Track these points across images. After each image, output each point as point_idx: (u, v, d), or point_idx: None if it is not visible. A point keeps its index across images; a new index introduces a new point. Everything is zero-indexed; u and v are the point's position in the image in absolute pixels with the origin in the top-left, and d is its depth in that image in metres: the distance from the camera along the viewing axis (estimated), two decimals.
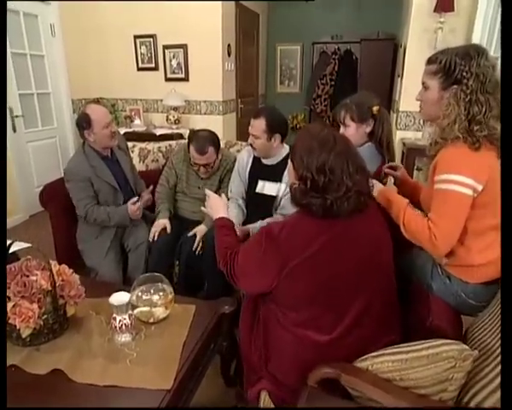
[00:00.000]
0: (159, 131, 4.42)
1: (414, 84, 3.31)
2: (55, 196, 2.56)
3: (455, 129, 1.25)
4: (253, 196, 2.25)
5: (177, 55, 4.54)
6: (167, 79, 4.67)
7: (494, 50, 2.94)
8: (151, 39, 4.60)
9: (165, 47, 4.56)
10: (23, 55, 3.98)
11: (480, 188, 1.24)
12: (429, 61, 1.37)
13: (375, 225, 1.24)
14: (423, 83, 1.39)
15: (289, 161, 1.29)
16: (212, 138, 2.26)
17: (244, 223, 2.24)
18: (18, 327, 1.29)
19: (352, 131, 1.75)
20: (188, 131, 4.52)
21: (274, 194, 2.19)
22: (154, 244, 2.20)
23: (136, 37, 4.65)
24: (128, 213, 2.17)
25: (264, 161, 2.22)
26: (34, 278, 1.38)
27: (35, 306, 1.31)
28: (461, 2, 3.02)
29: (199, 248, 2.17)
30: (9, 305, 1.30)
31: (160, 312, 1.52)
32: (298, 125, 6.32)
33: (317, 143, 1.15)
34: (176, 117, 4.50)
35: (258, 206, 2.24)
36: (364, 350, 1.16)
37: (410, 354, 1.08)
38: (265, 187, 2.21)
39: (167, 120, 4.53)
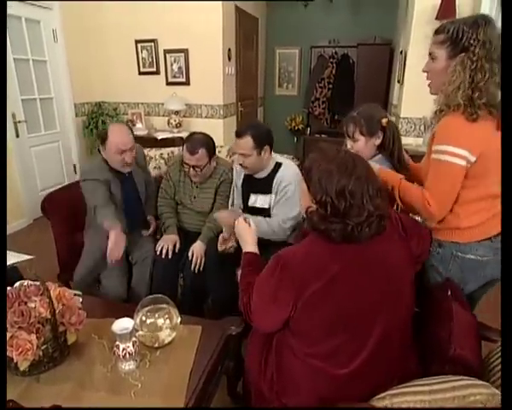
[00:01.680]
0: (160, 135, 4.27)
1: (415, 90, 3.23)
2: (56, 205, 2.44)
3: (458, 96, 1.21)
4: (247, 209, 2.12)
5: (178, 60, 4.38)
6: (168, 83, 4.52)
7: None
8: (152, 44, 4.44)
9: (166, 51, 4.40)
10: (25, 61, 3.81)
11: (473, 160, 1.22)
12: (437, 32, 1.31)
13: (392, 246, 1.12)
14: (430, 53, 1.34)
15: (301, 182, 1.17)
16: (206, 141, 2.11)
17: None
18: (15, 360, 1.17)
19: (362, 144, 1.63)
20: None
21: (267, 206, 2.06)
22: (159, 258, 2.07)
23: (137, 41, 4.48)
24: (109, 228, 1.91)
25: (255, 175, 2.08)
26: (33, 305, 1.26)
27: (33, 337, 1.19)
28: (462, 10, 2.89)
29: (197, 267, 2.02)
30: (7, 336, 1.17)
31: (165, 335, 1.40)
32: (296, 127, 6.18)
33: (336, 166, 1.04)
34: (177, 121, 4.35)
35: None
36: (382, 381, 1.05)
37: (433, 396, 0.96)
38: (258, 200, 2.09)
39: (169, 123, 4.38)
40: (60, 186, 2.89)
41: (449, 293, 1.24)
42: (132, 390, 1.21)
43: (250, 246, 1.40)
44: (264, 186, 2.04)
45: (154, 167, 2.79)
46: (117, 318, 1.51)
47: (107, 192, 2.03)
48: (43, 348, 1.22)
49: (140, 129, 4.50)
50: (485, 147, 1.21)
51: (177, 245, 2.11)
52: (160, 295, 1.46)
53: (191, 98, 4.43)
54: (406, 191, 1.36)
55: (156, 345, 1.39)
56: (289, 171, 2.01)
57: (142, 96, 4.69)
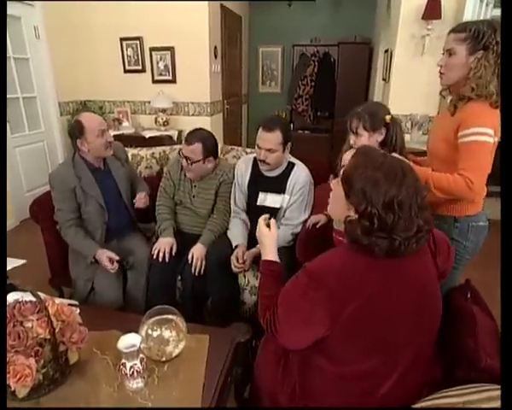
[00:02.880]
0: (148, 134, 4.07)
1: (403, 88, 3.17)
2: (45, 208, 2.23)
3: (491, 86, 1.30)
4: (254, 208, 1.99)
5: (164, 58, 4.17)
6: (154, 81, 4.30)
7: None
8: (137, 42, 4.20)
9: (152, 49, 4.18)
10: (7, 59, 3.52)
11: (496, 140, 1.34)
12: (457, 30, 1.39)
13: (425, 260, 1.01)
14: (449, 49, 1.40)
15: (337, 187, 1.02)
16: (205, 138, 1.97)
17: (248, 236, 1.99)
18: (13, 388, 1.02)
19: (365, 140, 1.55)
20: (176, 133, 4.24)
21: (278, 206, 1.95)
22: (155, 262, 1.91)
23: (122, 39, 4.23)
24: (93, 254, 1.85)
25: (267, 173, 1.96)
26: (29, 324, 1.10)
27: (32, 361, 1.04)
28: (447, 11, 2.84)
29: (198, 270, 1.88)
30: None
31: (172, 348, 1.27)
32: None
33: (383, 174, 0.89)
34: (164, 119, 4.16)
35: (259, 217, 1.99)
36: (414, 395, 0.96)
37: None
38: (267, 199, 1.96)
39: (156, 121, 4.18)
40: (48, 188, 2.68)
41: (468, 296, 1.16)
42: None
43: (270, 253, 1.24)
44: (276, 185, 1.92)
45: (146, 167, 2.61)
46: (118, 328, 1.39)
47: (75, 200, 1.90)
48: (43, 371, 1.08)
49: (127, 127, 4.29)
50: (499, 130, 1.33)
51: (174, 248, 1.95)
52: (166, 306, 1.32)
53: (178, 96, 4.24)
54: (441, 180, 1.36)
55: (163, 359, 1.26)
56: (303, 172, 1.92)
57: (127, 95, 4.46)
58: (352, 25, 5.42)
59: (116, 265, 1.85)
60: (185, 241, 2.03)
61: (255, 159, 2.02)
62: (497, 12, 3.04)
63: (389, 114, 1.53)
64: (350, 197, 0.94)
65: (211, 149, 1.99)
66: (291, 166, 1.95)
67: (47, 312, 1.09)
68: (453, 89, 1.46)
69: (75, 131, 1.84)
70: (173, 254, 1.94)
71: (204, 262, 1.88)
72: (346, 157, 1.63)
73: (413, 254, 0.93)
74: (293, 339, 1.04)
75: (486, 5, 2.92)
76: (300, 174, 1.92)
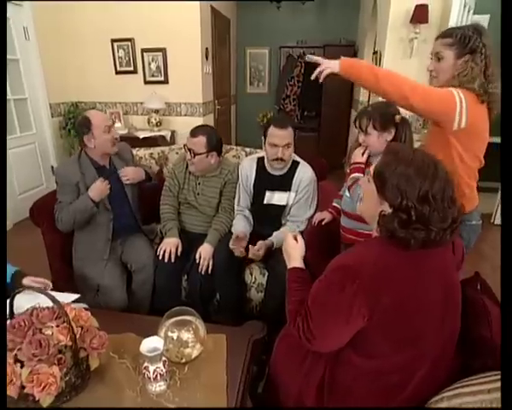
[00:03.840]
0: (141, 134, 3.97)
1: None
2: (46, 211, 2.13)
3: (475, 85, 1.35)
4: (260, 206, 1.96)
5: (156, 59, 4.07)
6: (146, 82, 4.19)
7: None
8: (129, 43, 4.08)
9: (144, 50, 4.07)
10: None
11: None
12: (444, 36, 1.44)
13: (449, 252, 1.00)
14: (437, 53, 1.45)
15: (368, 185, 1.00)
16: (209, 133, 1.93)
17: (252, 233, 1.96)
18: (37, 398, 0.96)
19: (374, 139, 1.54)
20: (169, 133, 4.15)
21: (283, 203, 1.93)
22: (161, 262, 1.86)
23: (113, 40, 4.10)
24: (89, 197, 1.77)
25: (273, 172, 1.94)
26: (49, 331, 1.04)
27: (55, 369, 0.98)
28: (433, 15, 2.86)
29: (204, 269, 1.84)
30: (24, 372, 0.96)
31: (191, 350, 1.23)
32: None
33: (415, 169, 0.88)
34: (157, 119, 4.06)
35: (266, 216, 1.97)
36: (439, 386, 0.96)
37: (493, 395, 0.88)
38: (274, 197, 1.94)
39: (149, 122, 4.08)
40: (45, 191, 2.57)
41: (478, 287, 1.16)
42: None
43: (296, 262, 1.21)
44: (282, 183, 1.90)
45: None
46: (131, 331, 1.34)
47: (77, 195, 1.83)
48: (66, 379, 1.02)
49: (119, 128, 4.15)
50: (479, 121, 1.38)
51: (179, 248, 1.90)
52: (185, 307, 1.28)
53: (170, 97, 4.15)
54: (388, 73, 1.36)
55: (183, 361, 1.22)
56: (308, 170, 1.91)
57: (119, 96, 4.33)
58: (337, 28, 5.44)
59: (106, 184, 1.79)
60: (190, 240, 1.99)
61: (259, 159, 1.99)
62: (476, 17, 3.22)
63: (399, 113, 1.51)
64: (384, 193, 0.93)
65: (214, 145, 1.94)
66: (295, 164, 1.93)
67: (67, 318, 1.03)
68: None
69: (82, 127, 1.79)
70: (178, 254, 1.88)
71: (211, 262, 1.84)
72: (356, 154, 1.62)
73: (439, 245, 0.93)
74: (330, 341, 1.00)
75: (468, 11, 2.98)
76: (305, 172, 1.91)
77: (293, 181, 1.89)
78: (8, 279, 1.46)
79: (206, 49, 4.15)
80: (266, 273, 1.89)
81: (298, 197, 1.89)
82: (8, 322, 1.09)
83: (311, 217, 1.89)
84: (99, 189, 1.78)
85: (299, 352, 1.16)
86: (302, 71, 5.57)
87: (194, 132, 1.93)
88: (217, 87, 4.73)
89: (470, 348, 1.10)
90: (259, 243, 1.79)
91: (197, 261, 1.84)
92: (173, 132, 4.16)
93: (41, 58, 3.79)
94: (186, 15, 3.81)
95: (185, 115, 4.21)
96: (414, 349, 0.94)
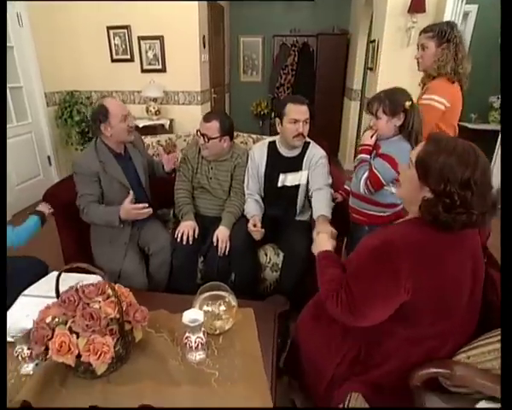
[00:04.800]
0: (140, 123, 3.96)
1: (390, 76, 3.28)
2: (57, 201, 2.16)
3: (447, 68, 1.84)
4: (274, 190, 2.03)
5: (154, 47, 4.05)
6: (143, 71, 4.17)
7: None
8: (125, 30, 4.03)
9: (141, 38, 4.03)
10: None
11: (448, 105, 1.84)
12: (426, 31, 1.93)
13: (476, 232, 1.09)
14: (422, 44, 1.94)
15: (408, 171, 1.06)
16: (222, 118, 2.01)
17: (265, 216, 2.03)
18: (94, 366, 1.02)
19: (383, 123, 1.61)
20: (168, 122, 4.16)
21: (297, 183, 2.00)
22: (179, 245, 1.92)
23: (109, 28, 4.05)
24: (118, 213, 1.80)
25: (285, 154, 2.00)
26: (96, 305, 1.10)
27: (108, 339, 1.05)
28: (429, 4, 2.96)
29: (223, 250, 1.90)
30: (81, 342, 1.02)
31: (225, 323, 1.31)
32: (261, 112, 6.08)
33: (457, 158, 0.94)
34: (156, 108, 4.06)
35: (279, 198, 2.03)
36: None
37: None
38: (287, 179, 2.00)
39: (147, 111, 4.07)
40: (36, 179, 2.57)
41: (485, 260, 1.27)
42: (212, 379, 1.13)
43: (324, 247, 1.29)
44: (294, 164, 1.97)
45: (153, 155, 2.57)
46: (159, 308, 1.41)
47: (98, 185, 1.87)
48: (116, 349, 1.09)
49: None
50: (455, 99, 1.87)
51: (196, 231, 1.97)
52: (217, 283, 1.36)
53: (168, 85, 4.14)
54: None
55: (217, 332, 1.30)
56: (318, 148, 1.99)
57: (115, 84, 4.29)
58: (330, 16, 5.48)
59: (147, 210, 1.82)
60: (204, 224, 2.05)
61: (270, 143, 2.06)
62: (468, 7, 3.41)
63: (410, 100, 1.59)
64: (426, 180, 0.98)
65: (227, 129, 2.01)
66: (306, 144, 2.00)
67: (115, 292, 1.09)
68: (426, 73, 2.00)
69: (99, 116, 1.81)
70: (195, 236, 1.95)
71: (228, 243, 1.91)
72: (365, 136, 1.72)
73: None
74: (374, 315, 1.04)
75: (461, 1, 3.08)
76: (316, 149, 1.98)
77: (304, 160, 1.96)
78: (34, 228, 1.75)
79: (203, 36, 4.14)
80: (281, 254, 1.97)
81: (312, 170, 1.95)
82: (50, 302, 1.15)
83: (331, 185, 1.96)
84: (129, 212, 1.79)
85: (327, 327, 1.23)
86: (296, 59, 5.61)
87: (208, 117, 1.99)
88: (212, 76, 4.73)
89: (482, 315, 1.21)
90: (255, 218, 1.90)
91: (215, 244, 1.91)
92: (171, 121, 4.17)
93: (35, 45, 3.73)
94: (184, 3, 3.80)
95: (183, 104, 4.22)
96: (450, 319, 1.03)
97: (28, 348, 1.13)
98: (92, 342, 1.02)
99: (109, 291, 1.16)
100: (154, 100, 4.08)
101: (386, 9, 3.09)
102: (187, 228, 1.93)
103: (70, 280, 1.26)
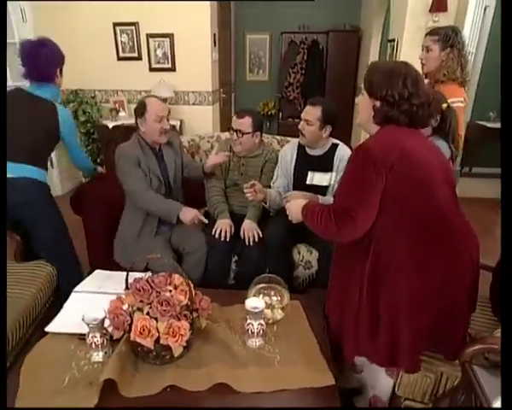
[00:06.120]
0: None
1: None
2: (85, 201, 2.35)
3: (456, 72, 2.07)
4: (303, 187, 2.22)
5: (163, 45, 4.25)
6: (152, 69, 4.36)
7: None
8: (133, 27, 4.23)
9: (150, 36, 4.24)
10: None
11: (464, 103, 2.09)
12: (431, 34, 2.17)
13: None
14: (427, 47, 2.15)
15: (361, 98, 1.37)
16: (253, 112, 2.30)
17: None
18: (173, 348, 1.21)
19: None
20: (179, 123, 4.35)
21: (325, 184, 2.21)
22: (217, 241, 2.12)
23: (115, 24, 4.25)
24: (179, 211, 2.02)
25: (311, 152, 2.22)
26: (167, 294, 1.30)
27: (184, 323, 1.24)
28: (451, 3, 3.22)
29: (251, 241, 2.11)
30: (161, 325, 1.21)
31: (278, 313, 1.51)
32: (269, 112, 6.31)
33: (392, 67, 1.29)
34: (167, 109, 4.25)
35: None
36: None
37: None
38: (315, 178, 2.22)
39: None
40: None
41: None
42: (275, 361, 1.32)
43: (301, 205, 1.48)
44: (323, 164, 2.18)
45: None
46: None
47: (142, 173, 2.08)
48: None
49: (124, 117, 4.33)
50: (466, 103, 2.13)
51: (232, 229, 2.18)
52: (272, 275, 1.56)
53: (177, 85, 4.33)
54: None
55: (270, 321, 1.49)
56: (347, 150, 2.19)
57: (122, 83, 4.47)
58: (341, 12, 5.76)
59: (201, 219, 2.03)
60: (238, 222, 2.24)
61: (299, 142, 2.28)
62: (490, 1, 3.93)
63: (446, 102, 1.81)
64: (373, 93, 1.29)
65: (259, 125, 2.29)
66: (335, 146, 2.22)
67: (187, 281, 1.28)
68: (430, 75, 2.17)
69: (138, 111, 2.07)
70: (232, 234, 2.15)
71: (256, 234, 2.12)
72: None
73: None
74: (367, 212, 1.25)
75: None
76: (345, 152, 2.19)
77: (334, 161, 2.18)
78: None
79: (214, 34, 4.37)
80: (313, 251, 2.18)
81: (339, 175, 2.17)
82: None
83: None
84: (190, 217, 2.00)
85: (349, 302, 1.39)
86: (305, 58, 5.88)
87: (241, 114, 2.26)
88: (221, 75, 4.95)
89: None
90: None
91: (242, 238, 2.12)
92: (181, 121, 4.37)
93: None
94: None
95: (193, 104, 4.42)
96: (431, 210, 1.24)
97: (101, 337, 1.31)
98: (170, 325, 1.21)
99: (175, 281, 1.35)
100: (164, 100, 4.27)
101: (407, 8, 3.35)
102: (224, 226, 2.14)
103: (102, 276, 1.66)
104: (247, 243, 2.12)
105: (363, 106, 1.37)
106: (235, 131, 2.23)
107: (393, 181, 1.20)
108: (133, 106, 4.36)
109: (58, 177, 4.38)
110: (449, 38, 2.08)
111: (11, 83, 3.66)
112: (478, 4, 3.14)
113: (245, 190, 2.01)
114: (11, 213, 1.84)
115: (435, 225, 1.25)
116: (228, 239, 2.12)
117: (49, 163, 4.26)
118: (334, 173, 2.20)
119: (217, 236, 2.11)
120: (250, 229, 2.15)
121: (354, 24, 5.68)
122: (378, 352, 1.33)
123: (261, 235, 2.13)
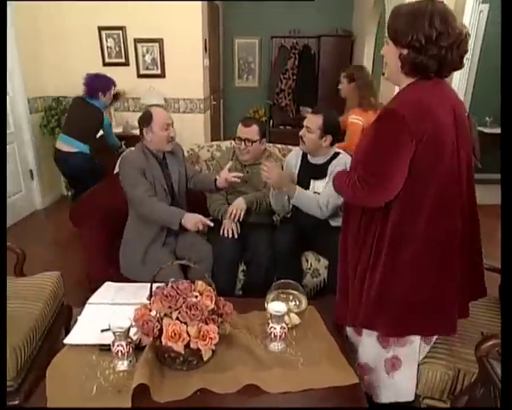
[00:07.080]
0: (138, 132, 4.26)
1: None
2: (84, 214, 2.47)
3: None
4: None
5: (152, 50, 4.41)
6: (140, 76, 4.51)
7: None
8: (120, 32, 4.38)
9: (137, 40, 4.38)
10: None
11: None
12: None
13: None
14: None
15: (387, 49, 1.40)
16: (259, 121, 2.56)
17: (291, 218, 2.43)
18: (203, 351, 1.34)
19: None
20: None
21: (321, 190, 2.36)
22: (222, 252, 2.27)
23: (100, 28, 4.38)
24: (181, 217, 2.14)
25: (313, 160, 2.38)
26: (194, 299, 1.42)
27: (213, 327, 1.37)
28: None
29: (237, 217, 2.30)
30: (191, 329, 1.33)
31: (296, 318, 1.65)
32: (259, 120, 6.50)
33: (417, 8, 1.28)
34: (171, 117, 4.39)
35: None
36: None
37: None
38: (316, 186, 2.37)
39: None
40: (18, 196, 2.86)
41: None
42: (298, 363, 1.46)
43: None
44: (323, 172, 2.34)
45: None
46: None
47: (147, 182, 2.21)
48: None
49: (113, 126, 4.43)
50: None
51: (243, 212, 2.34)
52: (291, 281, 1.70)
53: (167, 92, 4.47)
54: None
55: (289, 326, 1.63)
56: (345, 158, 2.32)
57: None
58: (333, 16, 6.03)
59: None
60: (243, 230, 2.39)
61: (303, 150, 2.46)
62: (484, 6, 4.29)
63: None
64: (398, 40, 1.31)
65: (264, 131, 2.51)
66: (336, 154, 2.38)
67: (213, 286, 1.41)
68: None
69: (143, 121, 2.21)
70: (239, 232, 2.34)
71: (240, 214, 2.31)
72: None
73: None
74: (396, 176, 1.33)
75: (478, 3, 3.65)
76: (342, 160, 2.32)
77: (329, 168, 2.33)
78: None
79: (205, 40, 4.55)
80: (321, 259, 2.34)
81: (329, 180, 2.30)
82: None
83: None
84: (193, 222, 2.13)
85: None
86: (296, 63, 6.11)
87: (247, 122, 2.46)
88: (211, 81, 5.13)
89: None
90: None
91: (230, 212, 2.32)
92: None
93: (16, 46, 3.97)
94: (186, 4, 4.18)
95: (184, 112, 4.56)
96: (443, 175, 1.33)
97: (126, 345, 1.42)
98: (200, 329, 1.33)
99: (199, 287, 1.48)
100: None
101: None
102: (237, 206, 2.33)
103: (114, 288, 1.89)
104: (232, 218, 2.31)
105: (390, 56, 1.39)
106: (244, 140, 2.40)
107: (422, 150, 1.30)
108: (121, 114, 4.57)
109: (39, 191, 4.43)
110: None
111: None
112: (474, 8, 3.42)
113: (263, 167, 2.17)
114: (68, 171, 3.67)
115: (452, 191, 1.36)
116: (236, 236, 2.30)
117: (29, 175, 4.37)
118: (327, 179, 2.32)
119: (225, 234, 2.28)
120: (237, 205, 2.34)
121: (346, 28, 5.96)
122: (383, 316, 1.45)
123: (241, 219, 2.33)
